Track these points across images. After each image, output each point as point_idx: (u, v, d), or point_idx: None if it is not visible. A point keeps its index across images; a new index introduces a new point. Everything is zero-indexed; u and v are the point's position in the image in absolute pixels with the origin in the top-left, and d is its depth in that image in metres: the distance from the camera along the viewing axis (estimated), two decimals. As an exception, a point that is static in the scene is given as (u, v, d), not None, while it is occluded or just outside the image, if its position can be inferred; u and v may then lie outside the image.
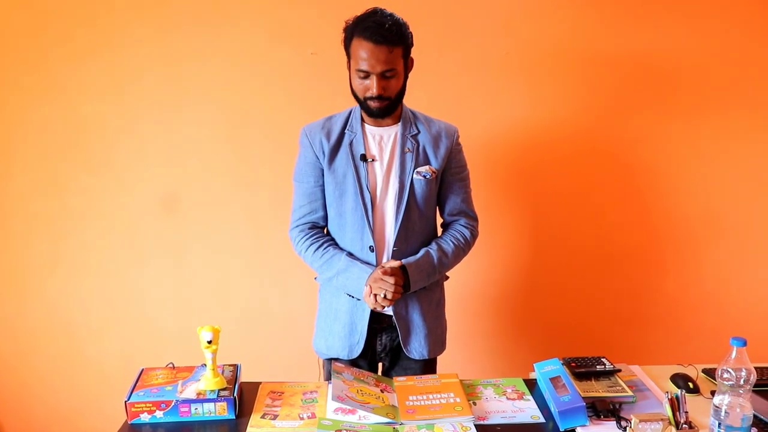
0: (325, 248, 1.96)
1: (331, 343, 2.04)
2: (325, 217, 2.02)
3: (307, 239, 1.99)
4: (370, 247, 1.93)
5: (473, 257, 2.70)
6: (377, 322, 2.00)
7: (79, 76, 2.53)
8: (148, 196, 2.64)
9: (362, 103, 1.86)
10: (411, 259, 1.92)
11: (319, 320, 2.11)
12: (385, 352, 2.05)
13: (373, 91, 1.79)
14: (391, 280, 1.83)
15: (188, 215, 2.66)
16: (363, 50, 1.75)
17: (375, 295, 1.85)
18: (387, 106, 1.84)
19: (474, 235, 2.07)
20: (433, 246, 1.98)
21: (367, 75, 1.78)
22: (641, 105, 2.63)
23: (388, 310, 1.97)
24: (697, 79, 2.62)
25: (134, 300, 2.75)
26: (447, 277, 2.14)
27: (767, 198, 2.73)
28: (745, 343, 1.50)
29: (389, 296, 1.83)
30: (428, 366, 2.07)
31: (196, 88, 2.55)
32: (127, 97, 2.55)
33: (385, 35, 1.74)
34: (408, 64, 1.87)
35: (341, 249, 1.97)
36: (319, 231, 2.03)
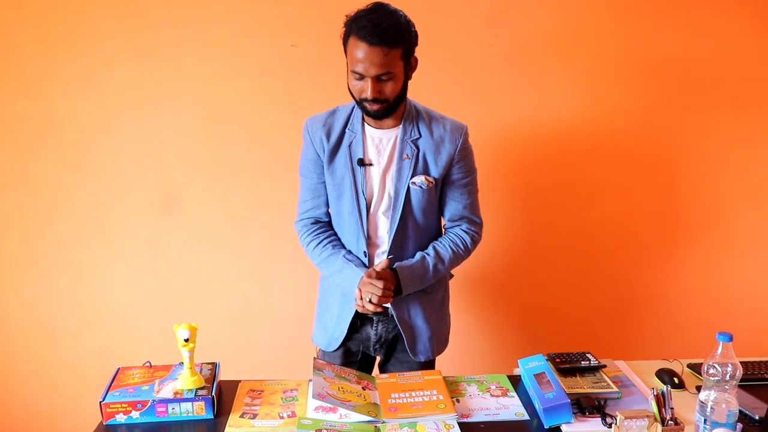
0: (324, 246, 1.93)
1: (318, 333, 2.05)
2: (328, 213, 1.99)
3: (309, 235, 1.96)
4: (363, 252, 1.90)
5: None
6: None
7: (52, 70, 2.46)
8: (124, 193, 2.59)
9: (359, 103, 1.78)
10: (405, 263, 1.88)
11: (318, 310, 2.09)
12: (380, 343, 2.00)
13: (368, 94, 1.71)
14: (380, 284, 1.77)
15: (166, 212, 2.61)
16: (358, 51, 1.66)
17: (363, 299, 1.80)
18: (385, 109, 1.76)
19: (475, 241, 2.00)
20: (430, 251, 1.92)
21: (362, 77, 1.70)
22: (629, 98, 2.61)
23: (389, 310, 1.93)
24: (687, 72, 2.60)
25: (111, 298, 2.69)
26: (452, 275, 2.11)
27: (753, 194, 2.73)
28: (731, 339, 1.48)
29: (375, 300, 1.77)
30: (428, 365, 2.03)
31: (173, 82, 2.50)
32: (102, 92, 2.49)
33: (381, 36, 1.63)
34: (410, 64, 1.77)
35: (340, 247, 1.93)
36: (323, 226, 1.98)
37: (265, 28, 2.46)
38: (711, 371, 1.49)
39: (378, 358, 2.08)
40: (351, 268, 1.86)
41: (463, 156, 1.91)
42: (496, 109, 2.59)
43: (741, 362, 1.49)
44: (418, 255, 1.90)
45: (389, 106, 1.75)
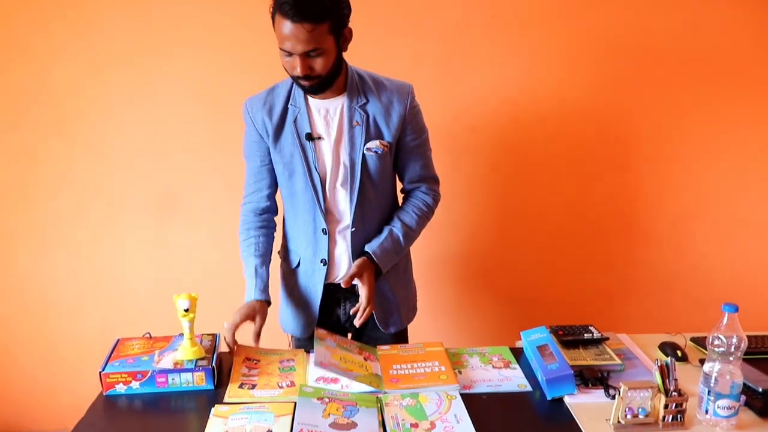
0: (248, 243, 1.89)
1: (286, 320, 2.02)
2: (271, 196, 1.94)
3: (243, 224, 1.93)
4: (323, 230, 1.85)
5: (459, 227, 2.68)
6: (338, 291, 1.93)
7: (48, 36, 2.43)
8: (122, 163, 2.57)
9: (294, 80, 1.72)
10: (374, 242, 1.85)
11: (282, 297, 2.05)
12: (349, 322, 1.98)
13: (297, 71, 1.64)
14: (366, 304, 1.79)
15: (165, 183, 2.60)
16: (283, 28, 1.57)
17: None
18: (319, 84, 1.68)
19: (436, 200, 1.97)
20: (395, 222, 1.89)
21: (290, 54, 1.63)
22: (632, 76, 2.58)
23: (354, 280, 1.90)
24: (691, 53, 2.57)
25: (111, 271, 2.68)
26: None
27: (754, 169, 2.71)
28: (736, 309, 1.47)
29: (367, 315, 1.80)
30: (400, 335, 2.03)
31: (173, 49, 2.46)
32: (100, 59, 2.46)
33: (303, 12, 1.53)
34: (342, 36, 1.67)
35: (260, 254, 1.87)
36: (260, 218, 1.92)
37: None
38: (716, 342, 1.47)
39: (350, 334, 2.05)
40: (250, 286, 1.83)
41: (413, 115, 1.84)
42: (497, 85, 2.56)
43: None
44: (385, 229, 1.88)
45: (323, 81, 1.68)
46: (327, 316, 1.98)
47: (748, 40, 2.56)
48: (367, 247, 1.84)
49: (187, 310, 1.66)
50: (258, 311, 1.78)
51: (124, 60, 2.46)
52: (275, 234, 1.98)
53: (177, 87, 2.50)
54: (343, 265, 1.89)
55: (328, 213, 1.85)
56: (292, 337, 2.05)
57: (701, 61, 2.58)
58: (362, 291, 1.80)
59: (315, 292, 1.92)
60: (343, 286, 1.81)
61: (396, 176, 1.97)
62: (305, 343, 1.98)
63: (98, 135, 2.54)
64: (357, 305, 1.81)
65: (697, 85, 2.60)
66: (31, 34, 2.42)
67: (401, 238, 1.87)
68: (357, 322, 1.80)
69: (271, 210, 1.96)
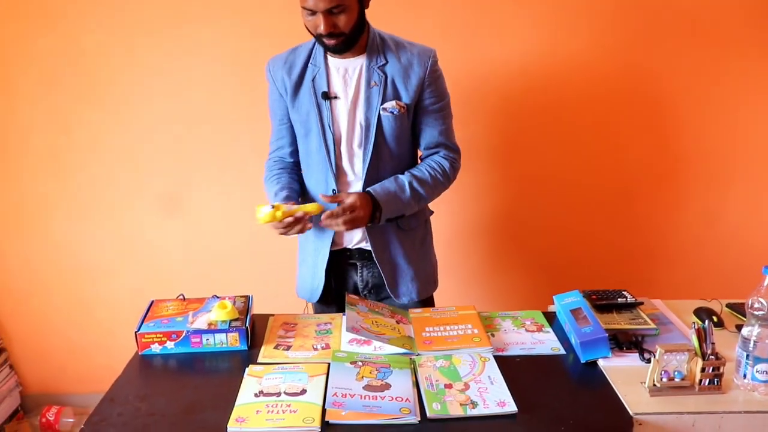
0: (268, 180, 1.91)
1: (300, 285, 2.05)
2: (294, 153, 1.94)
3: (267, 171, 1.96)
4: (332, 191, 1.84)
5: (489, 192, 2.66)
6: (353, 258, 1.92)
7: (78, 5, 2.43)
8: (153, 128, 2.58)
9: (317, 39, 1.73)
10: (376, 184, 1.81)
11: (298, 262, 2.08)
12: (368, 288, 1.98)
13: (321, 29, 1.64)
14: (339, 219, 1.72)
15: (195, 147, 2.60)
16: None
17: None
18: (343, 42, 1.68)
19: (455, 167, 1.92)
20: (405, 173, 1.85)
21: (313, 12, 1.63)
22: (665, 35, 2.51)
23: (368, 245, 1.89)
24: (726, 10, 2.48)
25: (143, 234, 2.71)
26: (431, 212, 2.05)
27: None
28: (777, 272, 1.44)
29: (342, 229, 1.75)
30: (423, 305, 2.00)
31: (202, 15, 2.45)
32: (129, 26, 2.46)
33: None
34: None
35: (278, 183, 1.87)
36: (284, 164, 1.94)
37: None
38: (755, 305, 1.45)
39: None
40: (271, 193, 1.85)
41: (434, 79, 1.82)
42: (526, 45, 2.51)
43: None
44: (391, 176, 1.84)
45: (347, 38, 1.68)
46: (343, 284, 1.99)
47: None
48: (368, 188, 1.80)
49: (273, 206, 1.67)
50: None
51: (154, 27, 2.46)
52: (299, 182, 1.96)
53: (209, 49, 2.49)
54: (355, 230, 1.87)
55: (340, 174, 1.84)
56: (307, 303, 2.07)
57: (737, 18, 2.50)
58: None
59: (323, 255, 1.92)
60: (320, 198, 1.79)
61: (415, 144, 1.95)
62: (319, 309, 2.00)
63: (128, 101, 2.55)
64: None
65: (733, 43, 2.52)
66: (61, 2, 2.43)
67: (406, 185, 1.81)
68: (322, 222, 1.74)
69: (297, 164, 1.97)
